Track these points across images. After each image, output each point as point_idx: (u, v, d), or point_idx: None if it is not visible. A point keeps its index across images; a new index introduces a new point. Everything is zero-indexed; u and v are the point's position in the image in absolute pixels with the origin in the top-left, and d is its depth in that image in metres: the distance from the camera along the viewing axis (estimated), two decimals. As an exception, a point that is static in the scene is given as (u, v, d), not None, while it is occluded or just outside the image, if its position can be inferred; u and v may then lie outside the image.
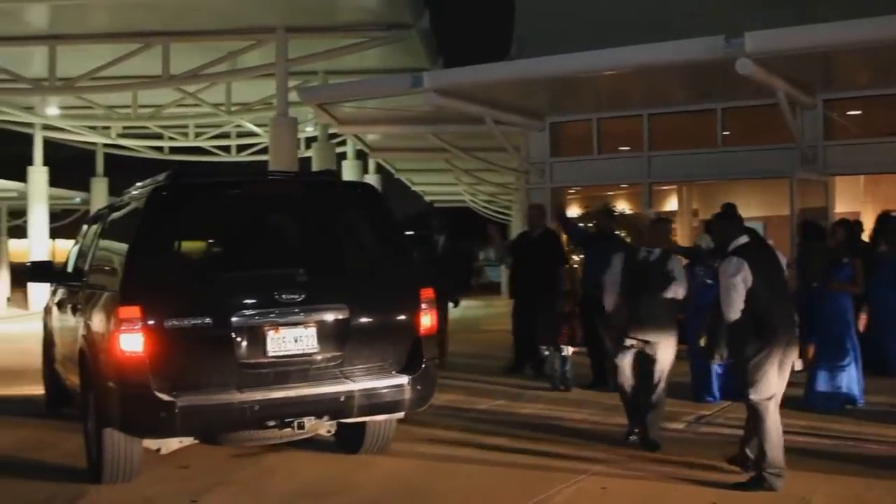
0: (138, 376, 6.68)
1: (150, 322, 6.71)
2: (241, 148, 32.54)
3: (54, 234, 30.72)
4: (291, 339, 7.05)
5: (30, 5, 18.04)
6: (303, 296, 7.09)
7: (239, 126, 28.94)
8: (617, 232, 12.19)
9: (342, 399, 7.10)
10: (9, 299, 27.89)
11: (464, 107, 13.31)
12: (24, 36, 19.47)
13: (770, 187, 14.83)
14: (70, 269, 9.56)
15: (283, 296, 7.05)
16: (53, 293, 10.36)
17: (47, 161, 30.08)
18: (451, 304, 14.55)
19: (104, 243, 8.40)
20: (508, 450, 8.31)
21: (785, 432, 7.05)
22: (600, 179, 15.87)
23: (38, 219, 29.72)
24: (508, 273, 14.28)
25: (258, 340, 6.97)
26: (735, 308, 6.83)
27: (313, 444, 8.43)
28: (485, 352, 15.51)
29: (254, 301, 7.04)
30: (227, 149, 32.90)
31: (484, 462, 7.97)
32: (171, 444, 7.35)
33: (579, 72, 12.17)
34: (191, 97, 23.68)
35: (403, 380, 7.32)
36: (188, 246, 7.94)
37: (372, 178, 30.02)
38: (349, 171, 26.85)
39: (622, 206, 18.99)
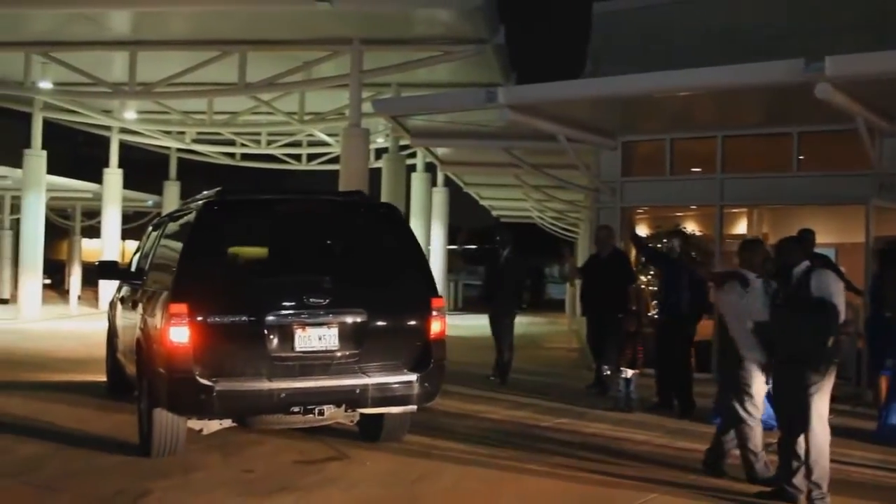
0: (184, 364, 7.71)
1: (195, 318, 7.75)
2: (311, 157, 32.84)
3: (126, 235, 31.24)
4: (316, 338, 8.09)
5: (113, 12, 18.45)
6: (327, 300, 8.10)
7: (311, 135, 29.24)
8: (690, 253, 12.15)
9: (358, 391, 8.11)
10: (80, 297, 28.38)
11: (537, 123, 13.25)
12: (106, 41, 19.90)
13: (843, 214, 14.57)
14: (133, 268, 10.65)
15: (311, 300, 8.07)
16: (118, 290, 11.42)
17: (122, 163, 30.64)
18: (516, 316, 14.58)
19: (162, 247, 9.53)
20: (573, 468, 8.27)
21: (855, 465, 6.93)
22: (672, 200, 15.70)
23: (111, 220, 30.25)
24: (579, 293, 14.23)
25: (287, 337, 8.02)
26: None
27: (376, 454, 8.50)
28: (547, 369, 15.49)
29: (285, 303, 8.07)
30: (297, 157, 33.23)
31: (549, 476, 7.95)
32: (212, 425, 8.36)
33: (656, 91, 12.04)
34: (265, 105, 23.96)
35: (413, 377, 8.29)
36: (231, 253, 8.77)
37: (440, 191, 30.18)
38: (418, 184, 26.96)
39: (691, 228, 18.82)
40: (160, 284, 8.61)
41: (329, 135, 27.80)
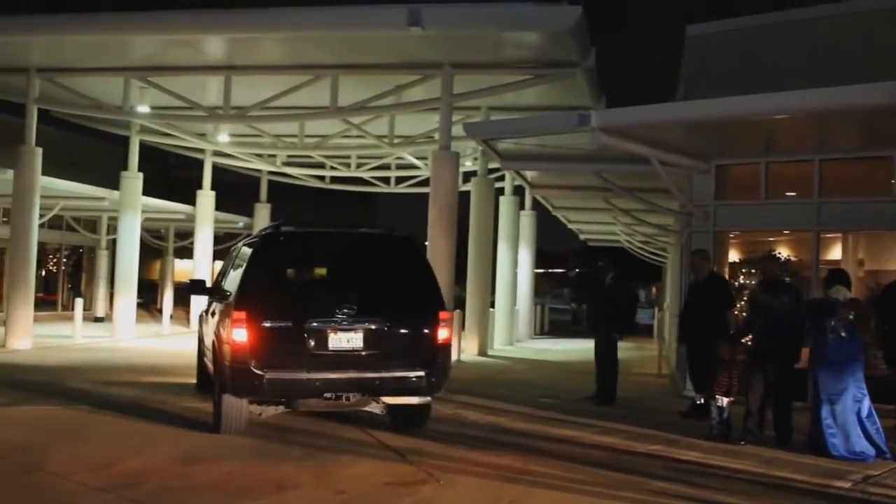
0: (242, 357, 9.89)
1: (252, 322, 9.94)
2: (400, 180, 33.05)
3: (217, 255, 31.77)
4: (345, 340, 10.23)
5: (209, 37, 18.90)
6: (354, 311, 10.23)
7: (400, 158, 29.43)
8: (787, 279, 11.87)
9: (377, 382, 10.21)
10: (172, 317, 28.92)
11: (630, 146, 13.16)
12: (202, 66, 20.38)
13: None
14: (215, 286, 12.71)
15: (342, 310, 10.19)
16: (207, 305, 13.16)
17: (214, 186, 31.23)
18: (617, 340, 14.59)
19: (235, 268, 11.67)
20: (667, 495, 8.14)
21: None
22: (766, 225, 15.43)
23: (203, 240, 30.85)
24: (678, 318, 14.11)
25: (322, 339, 10.16)
26: None
27: (467, 478, 8.49)
28: (637, 395, 15.31)
29: (321, 313, 10.19)
30: (386, 180, 33.47)
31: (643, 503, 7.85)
32: (269, 410, 10.69)
33: (751, 115, 11.87)
34: (355, 128, 24.21)
35: (422, 373, 10.33)
36: (283, 273, 11.26)
37: (528, 215, 30.09)
38: (506, 207, 26.93)
39: (786, 253, 18.46)
40: (231, 297, 10.63)
41: (418, 158, 27.99)
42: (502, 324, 26.25)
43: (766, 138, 13.83)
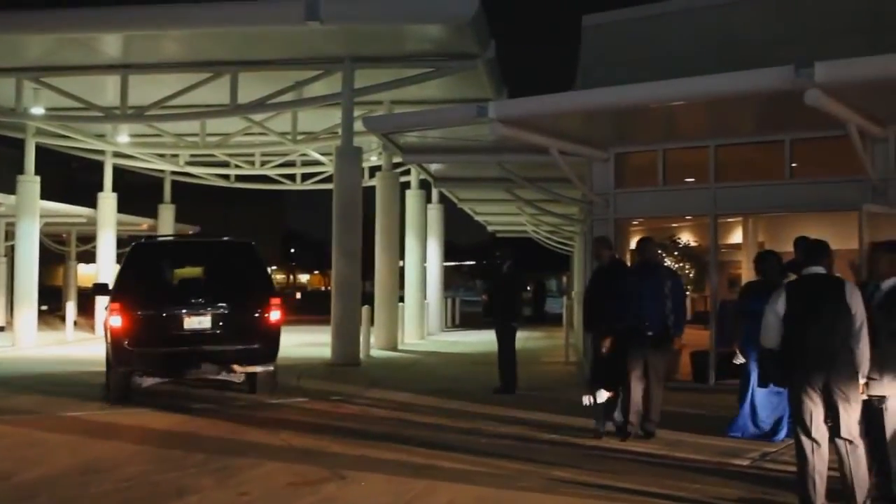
0: (118, 337, 12.92)
1: (124, 310, 12.92)
2: (305, 176, 32.85)
3: (121, 259, 31.15)
4: (196, 322, 13.22)
5: (104, 36, 18.49)
6: (203, 300, 13.29)
7: (304, 155, 29.23)
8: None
9: (223, 353, 13.08)
10: (76, 323, 28.25)
11: (529, 137, 13.23)
12: (97, 65, 19.94)
13: (839, 220, 14.52)
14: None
15: (194, 300, 13.29)
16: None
17: (116, 187, 30.56)
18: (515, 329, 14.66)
19: (118, 270, 14.92)
20: (574, 483, 8.18)
21: None
22: (665, 211, 15.68)
23: (106, 244, 30.12)
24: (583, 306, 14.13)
25: (179, 322, 13.19)
26: None
27: (373, 474, 8.45)
28: (544, 383, 15.43)
29: (177, 301, 13.34)
30: (292, 177, 33.22)
31: (548, 491, 7.87)
32: (147, 381, 13.30)
33: (646, 102, 12.02)
34: (257, 126, 23.95)
35: (257, 345, 13.27)
36: (149, 271, 13.93)
37: (435, 208, 30.09)
38: (412, 201, 26.89)
39: (686, 238, 18.79)
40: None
41: (323, 154, 27.83)
42: (412, 318, 26.21)
43: (663, 125, 14.04)
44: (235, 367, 13.16)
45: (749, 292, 10.57)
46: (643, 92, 11.82)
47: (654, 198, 15.09)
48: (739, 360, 10.35)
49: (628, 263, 13.56)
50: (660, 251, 15.67)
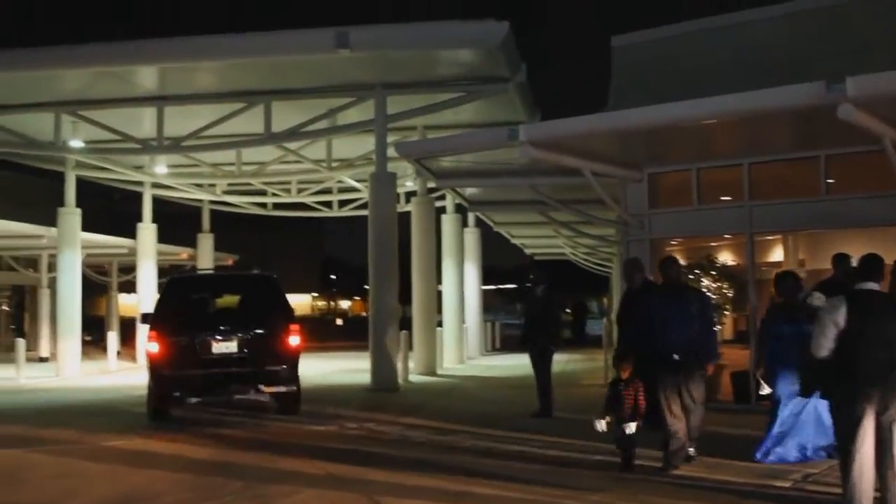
0: (155, 362, 14.41)
1: (160, 338, 14.39)
2: (342, 203, 32.96)
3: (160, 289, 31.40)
4: (224, 347, 14.47)
5: (139, 68, 18.76)
6: (230, 326, 14.60)
7: (340, 182, 29.35)
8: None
9: (248, 374, 14.34)
10: (119, 353, 28.50)
11: (561, 159, 13.20)
12: (133, 97, 20.21)
13: (878, 236, 14.32)
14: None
15: (222, 327, 14.59)
16: None
17: (156, 218, 30.89)
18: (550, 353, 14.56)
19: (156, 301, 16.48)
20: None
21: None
22: (701, 230, 15.54)
23: (147, 274, 30.45)
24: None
25: (208, 346, 14.41)
26: None
27: (409, 501, 8.40)
28: (582, 406, 15.31)
29: (207, 328, 14.55)
30: (329, 204, 33.36)
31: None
32: (184, 401, 14.58)
33: (677, 121, 11.96)
34: (292, 154, 24.10)
35: (279, 367, 14.50)
36: (183, 302, 15.38)
37: (471, 232, 30.09)
38: (448, 226, 26.91)
39: (724, 258, 18.62)
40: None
41: (359, 181, 27.91)
42: (451, 342, 26.16)
43: (696, 144, 13.96)
44: (261, 387, 14.48)
45: (771, 315, 10.36)
46: (675, 111, 11.75)
47: (689, 217, 14.98)
48: (765, 390, 10.03)
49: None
50: (697, 271, 15.53)
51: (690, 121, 12.00)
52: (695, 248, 17.75)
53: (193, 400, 14.54)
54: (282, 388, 14.60)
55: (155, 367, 14.39)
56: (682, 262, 16.11)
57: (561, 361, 15.46)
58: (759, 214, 14.10)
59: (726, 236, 17.35)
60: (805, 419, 9.85)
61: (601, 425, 9.61)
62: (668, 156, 14.70)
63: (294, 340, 14.69)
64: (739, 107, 11.27)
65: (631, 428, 9.48)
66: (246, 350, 14.48)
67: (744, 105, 11.19)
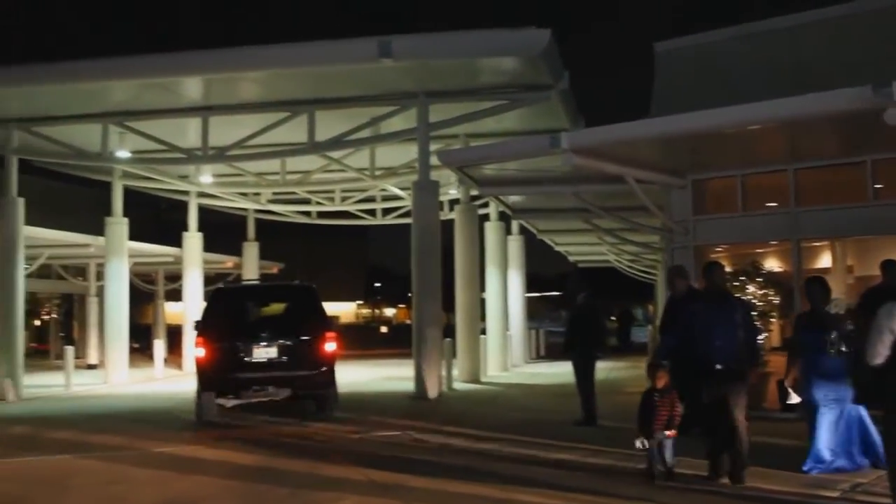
0: (202, 365, 15.58)
1: (206, 343, 15.51)
2: (386, 211, 33.05)
3: (208, 296, 31.68)
4: (265, 352, 15.57)
5: (185, 79, 18.96)
6: (270, 333, 15.72)
7: (384, 190, 29.44)
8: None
9: (287, 378, 15.37)
10: (165, 360, 28.82)
11: (604, 166, 13.18)
12: (179, 108, 20.43)
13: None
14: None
15: (263, 333, 15.70)
16: None
17: (202, 227, 31.20)
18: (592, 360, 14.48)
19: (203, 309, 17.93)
20: None
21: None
22: (746, 237, 15.43)
23: (193, 282, 30.76)
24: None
25: (250, 351, 15.55)
26: None
27: None
28: (626, 413, 15.22)
29: (249, 335, 15.70)
30: (372, 212, 33.46)
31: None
32: (229, 402, 15.99)
33: (721, 127, 11.90)
34: (336, 163, 24.21)
35: (316, 371, 15.56)
36: (226, 310, 16.47)
37: (515, 239, 30.06)
38: (491, 233, 26.91)
39: (770, 264, 18.46)
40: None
41: (402, 189, 27.98)
42: (495, 349, 26.15)
43: (740, 150, 13.86)
44: (298, 389, 15.67)
45: (799, 322, 10.17)
46: (719, 118, 11.68)
47: (734, 224, 14.88)
48: (793, 399, 9.84)
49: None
50: (742, 278, 15.41)
51: (735, 127, 11.93)
52: (740, 254, 17.63)
53: (232, 403, 15.92)
54: (319, 391, 15.77)
55: (201, 370, 15.60)
56: (727, 268, 16.02)
57: (605, 369, 15.38)
58: (806, 220, 13.98)
59: (772, 242, 17.22)
60: (849, 427, 9.72)
61: (641, 443, 9.48)
62: (712, 162, 14.61)
63: (330, 346, 15.74)
64: (784, 112, 11.19)
65: (664, 437, 9.34)
66: (285, 355, 15.55)
67: (789, 110, 11.11)
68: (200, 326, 15.84)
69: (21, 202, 21.35)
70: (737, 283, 14.89)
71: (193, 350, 16.35)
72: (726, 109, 11.53)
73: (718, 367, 9.40)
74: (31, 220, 22.12)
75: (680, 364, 9.83)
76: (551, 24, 16.41)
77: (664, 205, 15.51)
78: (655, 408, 9.49)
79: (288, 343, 15.68)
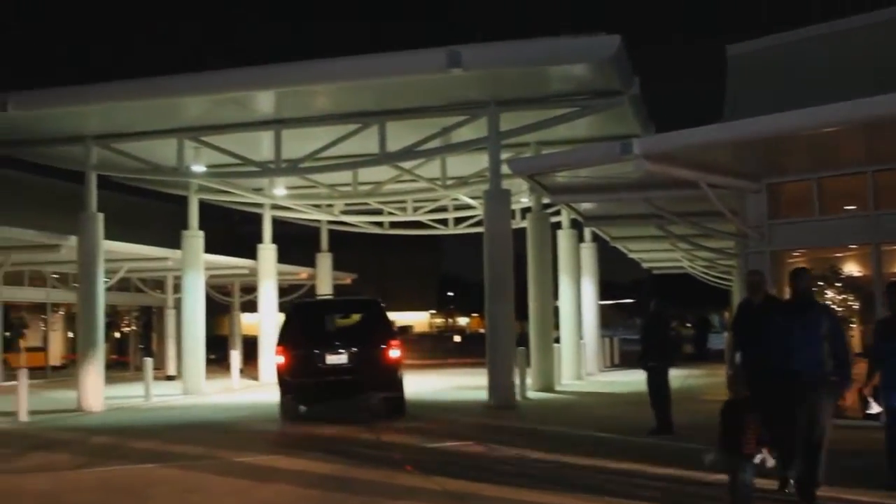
0: (282, 372, 17.46)
1: (286, 352, 17.31)
2: (458, 220, 33.09)
3: (283, 308, 32.02)
4: (337, 359, 17.19)
5: (258, 93, 19.21)
6: (342, 342, 17.48)
7: (456, 199, 29.48)
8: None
9: (358, 382, 17.05)
10: (241, 371, 29.19)
11: (676, 172, 13.05)
12: (252, 122, 20.71)
13: None
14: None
15: (335, 342, 17.48)
16: None
17: (275, 239, 31.56)
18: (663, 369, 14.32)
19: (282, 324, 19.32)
20: None
21: None
22: (824, 241, 15.10)
23: (267, 294, 31.09)
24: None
25: (323, 359, 17.22)
26: None
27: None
28: (702, 422, 15.02)
29: (323, 344, 17.42)
30: (444, 222, 33.52)
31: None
32: (303, 407, 18.06)
33: (798, 129, 11.70)
34: (407, 173, 24.30)
35: (382, 376, 17.10)
36: (303, 323, 18.13)
37: (588, 247, 29.91)
38: (564, 241, 26.78)
39: (849, 269, 18.09)
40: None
41: (473, 198, 27.98)
42: (569, 358, 26.00)
43: (817, 153, 13.61)
44: (368, 392, 17.54)
45: (877, 329, 9.71)
46: (795, 120, 11.50)
47: (811, 228, 14.60)
48: (874, 409, 9.38)
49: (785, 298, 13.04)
50: (820, 283, 15.12)
51: (811, 129, 11.74)
52: (817, 259, 17.28)
53: (303, 407, 18.01)
54: (386, 394, 17.52)
55: (281, 376, 17.47)
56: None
57: (681, 377, 15.19)
58: (887, 223, 13.66)
59: (851, 246, 16.86)
60: None
61: (710, 459, 8.33)
62: (788, 165, 14.37)
63: (395, 353, 17.41)
64: (861, 113, 10.99)
65: (763, 457, 8.02)
66: (354, 361, 17.20)
67: (867, 111, 10.89)
68: (279, 336, 17.74)
69: (100, 217, 21.80)
70: (815, 289, 14.60)
71: (274, 357, 18.03)
72: (803, 111, 11.34)
73: (801, 375, 8.92)
74: (111, 235, 22.60)
75: (758, 374, 9.39)
76: (621, 31, 16.33)
77: (738, 210, 15.29)
78: (743, 425, 8.15)
79: (357, 350, 17.29)
